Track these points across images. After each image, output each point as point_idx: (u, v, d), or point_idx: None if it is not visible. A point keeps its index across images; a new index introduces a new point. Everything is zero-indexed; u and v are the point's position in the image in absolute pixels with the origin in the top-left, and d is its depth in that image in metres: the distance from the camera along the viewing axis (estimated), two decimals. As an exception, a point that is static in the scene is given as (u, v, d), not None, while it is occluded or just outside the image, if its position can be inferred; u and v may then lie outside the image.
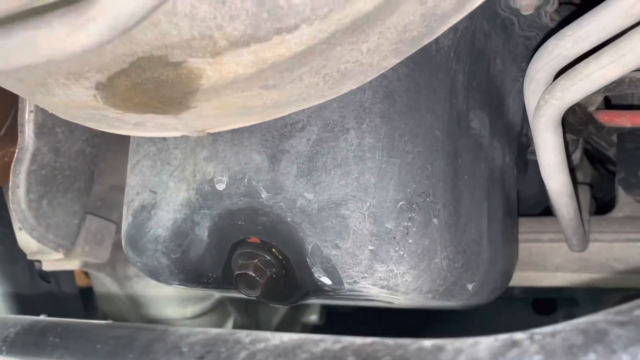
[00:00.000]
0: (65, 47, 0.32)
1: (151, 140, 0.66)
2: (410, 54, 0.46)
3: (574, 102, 0.51)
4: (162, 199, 0.64)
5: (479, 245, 0.68)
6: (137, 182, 0.67)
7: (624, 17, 0.46)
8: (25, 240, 1.03)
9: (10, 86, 0.55)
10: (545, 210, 1.08)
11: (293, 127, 0.58)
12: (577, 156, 1.00)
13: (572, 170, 0.90)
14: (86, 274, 1.28)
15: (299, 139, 0.58)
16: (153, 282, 0.72)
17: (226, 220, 0.61)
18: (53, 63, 0.36)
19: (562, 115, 0.54)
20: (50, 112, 0.58)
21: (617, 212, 1.00)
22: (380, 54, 0.45)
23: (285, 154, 0.58)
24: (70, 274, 1.22)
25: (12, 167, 0.87)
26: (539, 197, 1.03)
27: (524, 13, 0.73)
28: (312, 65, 0.45)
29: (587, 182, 1.07)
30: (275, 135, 0.59)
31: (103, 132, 0.79)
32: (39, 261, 1.06)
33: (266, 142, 0.59)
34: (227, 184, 0.60)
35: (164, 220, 0.64)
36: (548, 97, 0.51)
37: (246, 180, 0.59)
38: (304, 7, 0.39)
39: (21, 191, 0.88)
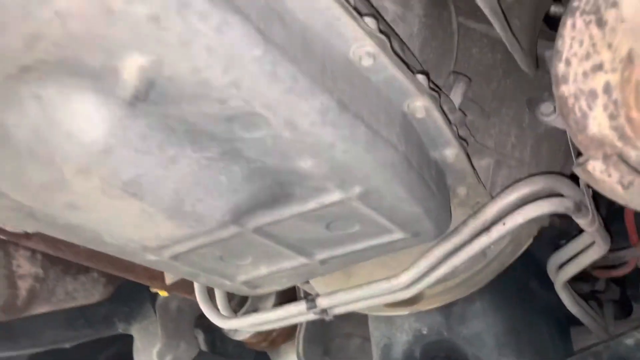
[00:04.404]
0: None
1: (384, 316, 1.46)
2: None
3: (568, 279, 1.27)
4: (396, 341, 1.43)
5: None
6: (380, 334, 1.46)
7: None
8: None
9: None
10: None
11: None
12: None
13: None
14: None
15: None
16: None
17: (428, 347, 1.38)
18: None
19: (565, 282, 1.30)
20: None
21: None
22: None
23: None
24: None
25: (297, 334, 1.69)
26: None
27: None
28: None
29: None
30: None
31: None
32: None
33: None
34: (427, 331, 1.38)
35: (397, 352, 1.42)
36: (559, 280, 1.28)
37: (435, 329, 1.37)
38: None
39: (301, 349, 1.69)
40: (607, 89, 0.51)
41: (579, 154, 0.64)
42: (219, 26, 0.48)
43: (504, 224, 1.00)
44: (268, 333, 1.71)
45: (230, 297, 1.38)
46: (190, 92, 0.55)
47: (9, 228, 1.03)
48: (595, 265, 1.49)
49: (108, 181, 0.59)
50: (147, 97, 0.55)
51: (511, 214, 0.99)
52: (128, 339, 2.05)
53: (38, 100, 0.54)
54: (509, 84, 1.15)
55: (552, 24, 1.24)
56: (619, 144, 0.54)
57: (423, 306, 1.31)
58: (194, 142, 0.62)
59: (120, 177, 0.59)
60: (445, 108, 0.87)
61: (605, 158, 0.56)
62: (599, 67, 0.52)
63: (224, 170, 0.66)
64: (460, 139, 0.88)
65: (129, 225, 0.69)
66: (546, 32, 1.18)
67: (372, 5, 0.81)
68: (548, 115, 1.14)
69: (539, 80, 1.12)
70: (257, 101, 0.56)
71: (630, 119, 0.48)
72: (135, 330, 1.83)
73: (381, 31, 0.66)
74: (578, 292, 1.47)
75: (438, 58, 1.01)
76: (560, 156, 1.16)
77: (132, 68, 0.51)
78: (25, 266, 1.30)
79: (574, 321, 1.70)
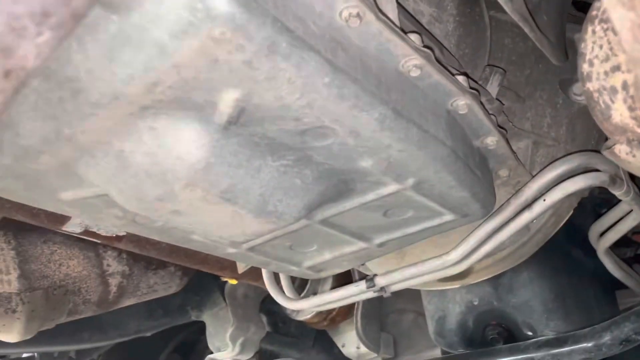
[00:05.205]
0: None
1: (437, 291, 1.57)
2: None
3: (610, 245, 1.35)
4: (449, 312, 1.54)
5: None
6: (434, 307, 1.57)
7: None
8: (351, 351, 1.96)
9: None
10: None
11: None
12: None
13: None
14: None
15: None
16: None
17: (480, 316, 1.48)
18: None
19: (607, 248, 1.37)
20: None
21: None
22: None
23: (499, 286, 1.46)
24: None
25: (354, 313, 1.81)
26: None
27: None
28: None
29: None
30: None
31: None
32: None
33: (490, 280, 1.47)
34: (478, 302, 1.48)
35: (451, 322, 1.53)
36: (600, 246, 1.36)
37: (486, 299, 1.47)
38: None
39: (359, 325, 1.81)
40: (625, 86, 0.60)
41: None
42: (298, 63, 0.60)
43: (544, 200, 1.09)
44: (328, 312, 1.84)
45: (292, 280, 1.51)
46: (272, 114, 0.67)
47: (102, 232, 1.18)
48: (635, 231, 1.56)
49: (209, 191, 0.72)
50: (238, 121, 0.67)
51: (550, 190, 1.09)
52: (193, 327, 2.22)
53: (152, 131, 0.67)
54: (541, 68, 1.23)
55: (581, 6, 1.31)
56: (639, 130, 0.63)
57: (473, 279, 1.42)
58: (273, 153, 0.74)
59: (219, 187, 0.72)
60: (483, 100, 0.97)
61: (629, 142, 0.66)
62: (617, 68, 0.61)
63: (298, 174, 0.78)
64: (499, 127, 0.97)
65: (222, 225, 0.82)
66: (575, 15, 1.26)
67: (413, 17, 0.92)
68: (580, 95, 1.23)
69: (570, 62, 1.19)
70: (326, 117, 0.68)
71: (645, 113, 0.58)
72: (206, 317, 1.99)
73: (424, 45, 0.76)
74: (621, 256, 1.55)
75: (473, 53, 1.10)
76: (595, 132, 1.24)
77: (228, 100, 0.63)
78: (113, 265, 1.47)
79: (619, 284, 1.78)
